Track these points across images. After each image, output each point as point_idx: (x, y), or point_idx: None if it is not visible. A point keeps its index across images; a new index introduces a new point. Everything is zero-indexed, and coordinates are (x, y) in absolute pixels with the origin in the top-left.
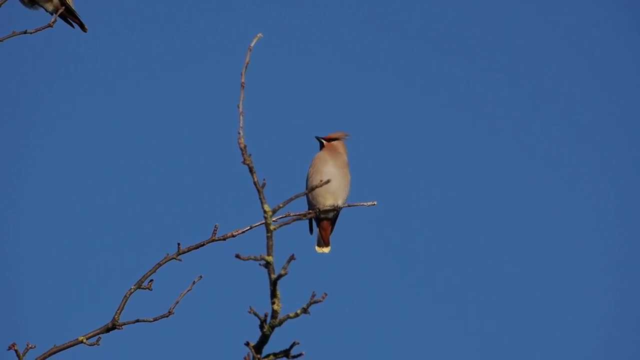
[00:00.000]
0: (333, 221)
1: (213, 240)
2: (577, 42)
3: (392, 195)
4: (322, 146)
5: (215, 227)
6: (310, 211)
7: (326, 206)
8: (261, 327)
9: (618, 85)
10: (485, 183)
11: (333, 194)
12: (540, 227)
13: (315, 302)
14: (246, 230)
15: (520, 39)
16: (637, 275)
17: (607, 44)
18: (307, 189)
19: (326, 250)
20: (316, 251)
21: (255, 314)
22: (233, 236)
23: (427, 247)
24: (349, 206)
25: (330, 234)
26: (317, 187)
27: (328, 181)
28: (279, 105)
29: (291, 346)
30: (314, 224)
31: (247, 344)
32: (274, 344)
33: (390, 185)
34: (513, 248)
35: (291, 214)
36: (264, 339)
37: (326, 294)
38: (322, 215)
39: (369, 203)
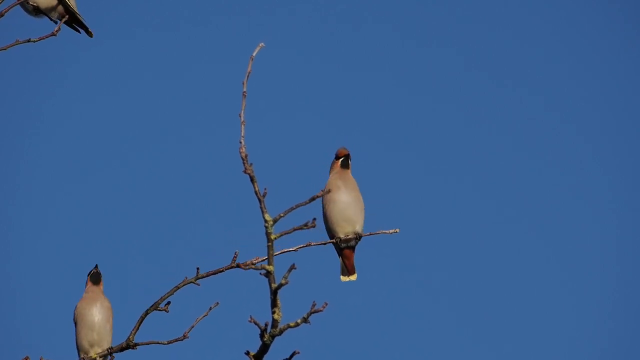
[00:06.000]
0: (354, 248)
1: (232, 267)
2: (579, 43)
3: (394, 200)
4: (347, 166)
5: (235, 254)
6: (312, 222)
7: (347, 234)
8: (261, 336)
9: (619, 85)
10: (500, 196)
11: (349, 221)
12: (560, 238)
13: (316, 311)
14: (265, 259)
15: (524, 40)
16: (638, 275)
17: (608, 44)
18: (324, 219)
19: (353, 278)
20: (341, 280)
21: (256, 323)
22: (253, 264)
23: (432, 252)
24: (370, 234)
25: (353, 261)
26: (318, 196)
27: (329, 190)
28: (279, 112)
29: (291, 355)
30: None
31: (248, 353)
32: (275, 354)
33: (394, 194)
34: (532, 265)
35: (312, 244)
36: (264, 348)
37: (326, 304)
38: (343, 245)
39: (391, 231)
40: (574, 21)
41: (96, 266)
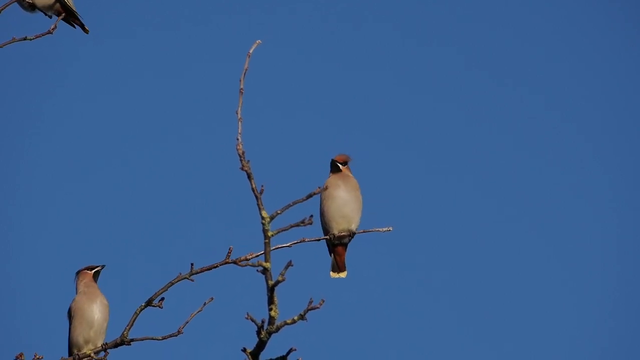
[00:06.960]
0: (346, 246)
1: (226, 263)
2: (579, 42)
3: (394, 199)
4: (337, 169)
5: (229, 249)
6: (309, 219)
7: (341, 231)
8: (258, 333)
9: (619, 85)
10: (496, 195)
11: (345, 218)
12: (560, 239)
13: (313, 308)
14: (260, 254)
15: (524, 39)
16: (638, 275)
17: (608, 43)
18: (321, 214)
19: (342, 275)
20: (331, 277)
21: (253, 320)
22: (247, 260)
23: (431, 251)
24: (363, 232)
25: (345, 258)
26: (314, 193)
27: (326, 187)
28: (279, 111)
29: (288, 352)
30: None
31: (244, 350)
32: (271, 350)
33: (393, 193)
34: (532, 264)
35: (306, 239)
36: (261, 345)
37: (323, 301)
38: (336, 241)
39: (384, 229)
40: (574, 21)
41: (103, 266)
